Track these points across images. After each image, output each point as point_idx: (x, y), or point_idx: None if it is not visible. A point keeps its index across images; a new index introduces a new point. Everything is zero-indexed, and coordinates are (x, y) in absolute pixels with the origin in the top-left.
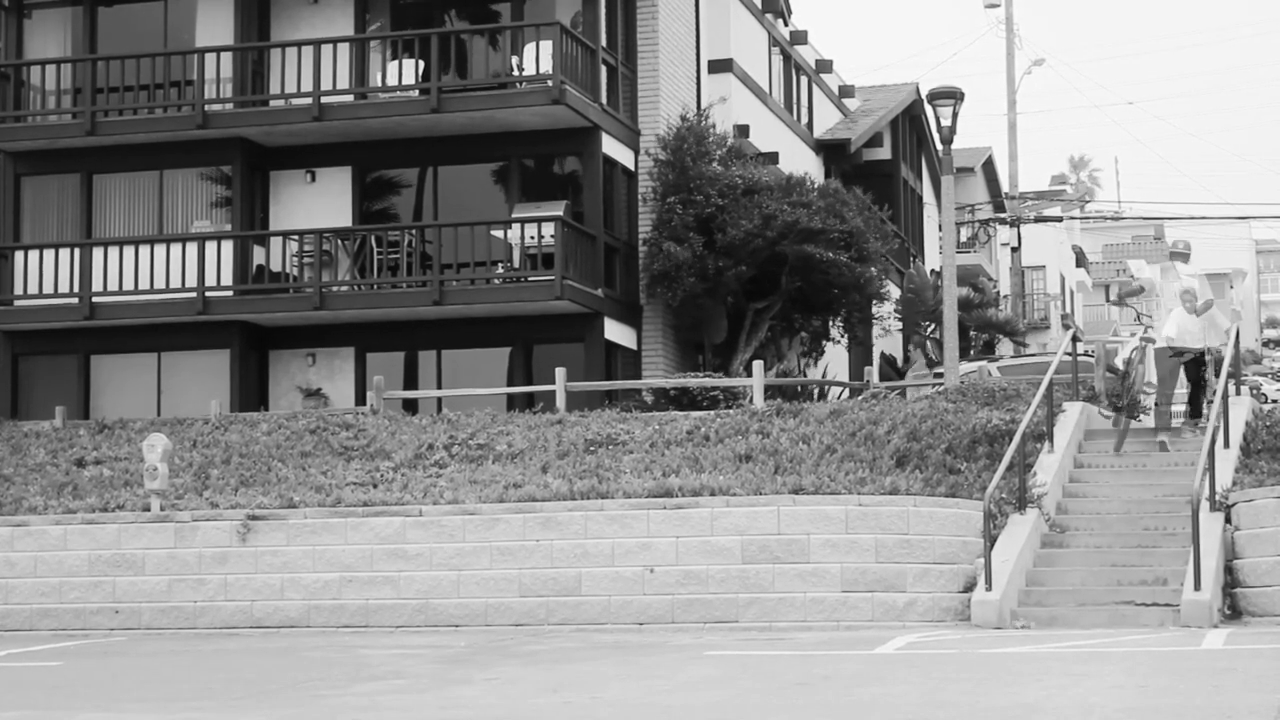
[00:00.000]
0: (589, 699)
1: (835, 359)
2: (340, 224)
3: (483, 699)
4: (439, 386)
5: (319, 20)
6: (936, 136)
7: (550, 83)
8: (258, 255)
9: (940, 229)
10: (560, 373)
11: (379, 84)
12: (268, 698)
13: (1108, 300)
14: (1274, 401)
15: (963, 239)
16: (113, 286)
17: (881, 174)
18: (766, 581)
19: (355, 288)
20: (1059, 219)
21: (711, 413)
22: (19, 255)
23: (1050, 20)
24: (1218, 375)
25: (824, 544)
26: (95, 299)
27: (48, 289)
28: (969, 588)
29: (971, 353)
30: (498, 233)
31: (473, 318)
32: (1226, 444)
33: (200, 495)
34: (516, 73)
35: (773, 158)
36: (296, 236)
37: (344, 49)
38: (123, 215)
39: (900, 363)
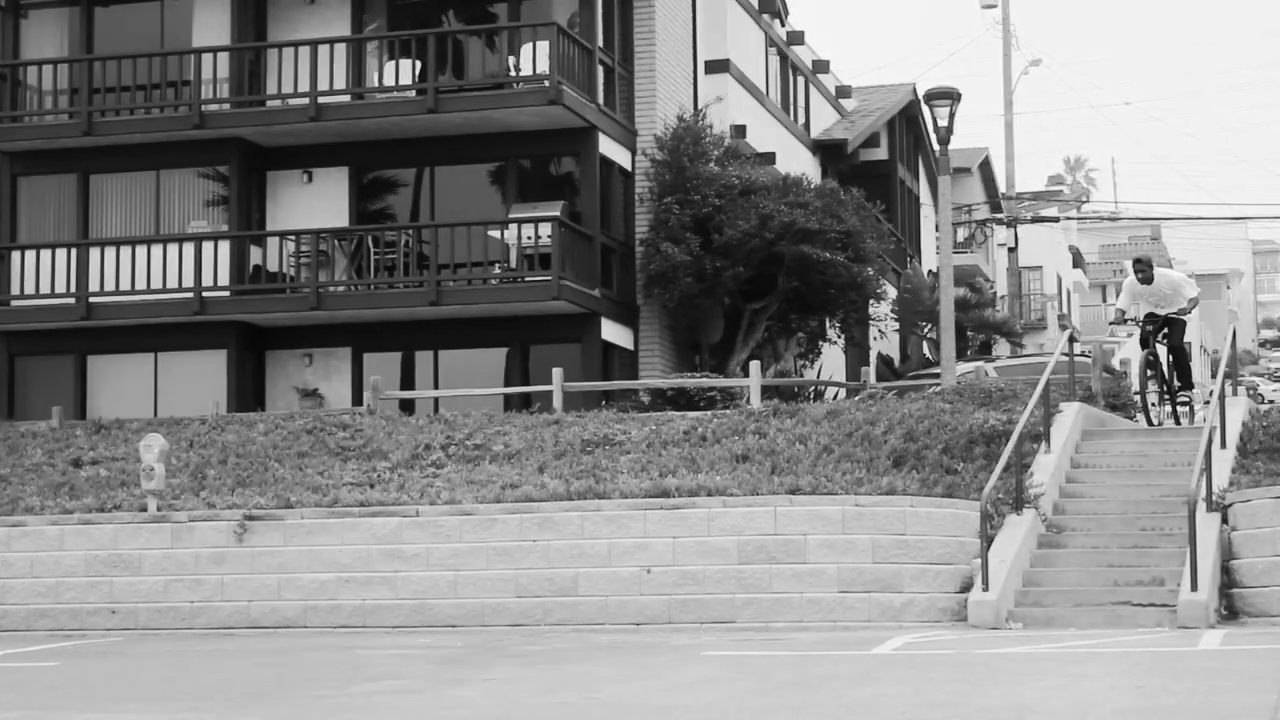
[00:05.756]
0: (585, 699)
1: (832, 359)
2: (337, 224)
3: (479, 699)
4: (436, 387)
5: (316, 21)
6: (933, 137)
7: (547, 83)
8: (254, 255)
9: (937, 229)
10: (557, 373)
11: (376, 84)
12: (264, 698)
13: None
14: (1271, 402)
15: (960, 239)
16: (109, 286)
17: (878, 174)
18: (763, 582)
19: (352, 288)
20: (1056, 219)
21: (708, 413)
22: (15, 255)
23: (1047, 21)
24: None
25: (821, 544)
26: (92, 299)
27: (44, 289)
28: (966, 588)
29: (968, 353)
30: (495, 233)
31: (470, 318)
32: (1223, 444)
33: (197, 495)
34: (513, 73)
35: (770, 158)
36: (293, 237)
37: (341, 49)
38: (119, 215)
39: (898, 362)
